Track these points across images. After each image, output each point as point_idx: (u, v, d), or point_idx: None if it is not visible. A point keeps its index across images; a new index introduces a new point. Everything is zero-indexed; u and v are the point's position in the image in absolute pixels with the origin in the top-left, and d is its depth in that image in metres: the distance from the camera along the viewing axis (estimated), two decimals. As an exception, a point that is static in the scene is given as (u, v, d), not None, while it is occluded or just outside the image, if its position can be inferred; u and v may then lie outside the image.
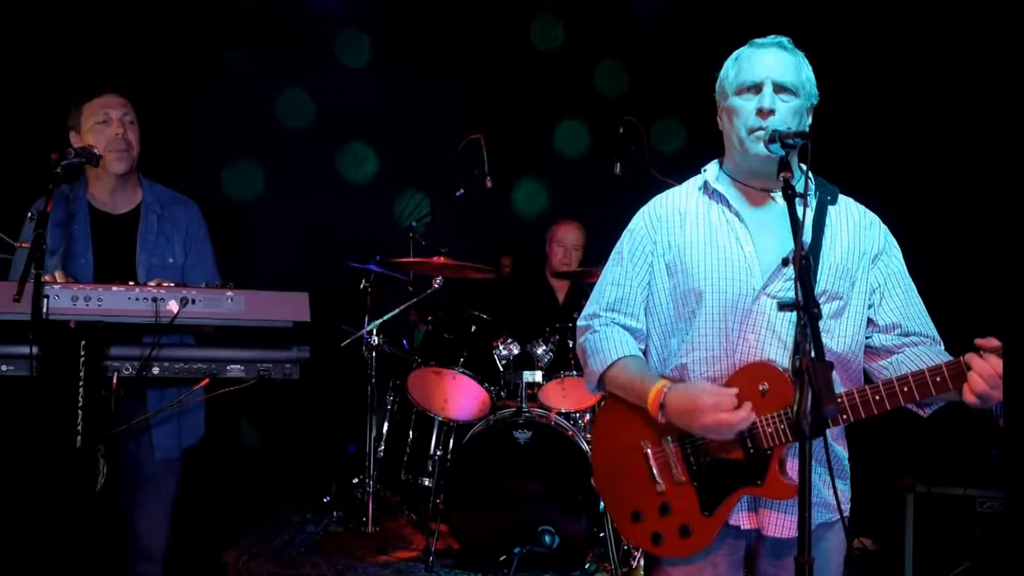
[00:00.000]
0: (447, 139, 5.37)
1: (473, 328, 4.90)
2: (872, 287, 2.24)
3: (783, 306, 1.86)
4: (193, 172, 5.06)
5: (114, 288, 2.48)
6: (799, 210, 1.94)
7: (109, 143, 2.90)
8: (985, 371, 1.92)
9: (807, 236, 2.14)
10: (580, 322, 2.43)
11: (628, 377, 2.26)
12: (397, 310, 5.00)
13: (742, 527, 2.18)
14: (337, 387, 5.45)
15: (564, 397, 4.65)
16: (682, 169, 2.57)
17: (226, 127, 5.66)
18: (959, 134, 4.81)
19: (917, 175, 4.96)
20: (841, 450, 2.26)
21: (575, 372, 4.59)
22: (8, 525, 3.38)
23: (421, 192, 6.26)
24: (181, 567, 3.59)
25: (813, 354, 1.75)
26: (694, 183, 2.35)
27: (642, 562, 4.05)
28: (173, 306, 2.50)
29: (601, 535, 4.34)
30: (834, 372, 1.91)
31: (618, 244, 2.40)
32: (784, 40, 2.20)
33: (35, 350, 2.43)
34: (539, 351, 4.70)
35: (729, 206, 2.24)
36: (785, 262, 1.90)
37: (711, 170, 2.33)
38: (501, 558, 4.27)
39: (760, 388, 2.11)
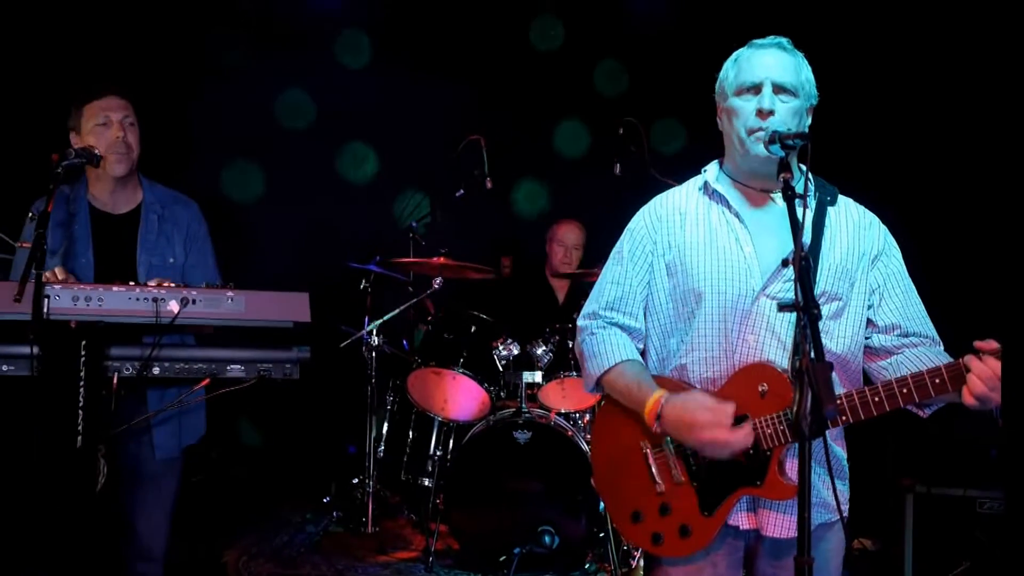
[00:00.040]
0: (447, 139, 5.37)
1: (473, 328, 4.90)
2: (872, 288, 2.24)
3: (783, 307, 1.86)
4: (193, 172, 5.06)
5: (115, 288, 2.48)
6: (799, 211, 1.94)
7: (109, 146, 2.90)
8: (984, 373, 1.92)
9: (807, 237, 2.14)
10: (579, 321, 2.43)
11: (625, 383, 2.26)
12: (397, 310, 5.00)
13: (741, 527, 2.18)
14: (337, 387, 5.45)
15: (564, 397, 4.65)
16: (682, 169, 2.57)
17: (226, 127, 5.66)
18: (959, 134, 4.81)
19: (917, 175, 4.96)
20: (840, 451, 2.26)
21: (575, 372, 4.59)
22: (8, 525, 3.37)
23: (421, 192, 6.26)
24: (181, 567, 3.60)
25: (813, 355, 1.75)
26: (694, 183, 2.35)
27: (642, 562, 4.05)
28: (173, 306, 2.50)
29: (601, 535, 4.34)
30: (833, 373, 1.91)
31: (618, 243, 2.41)
32: (783, 41, 2.20)
33: (36, 350, 2.43)
34: (539, 351, 4.70)
35: (729, 207, 2.25)
36: (785, 263, 1.90)
37: (711, 171, 2.33)
38: (501, 558, 4.27)
39: (759, 389, 2.11)
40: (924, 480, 3.95)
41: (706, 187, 2.30)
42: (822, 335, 1.85)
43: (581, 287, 5.25)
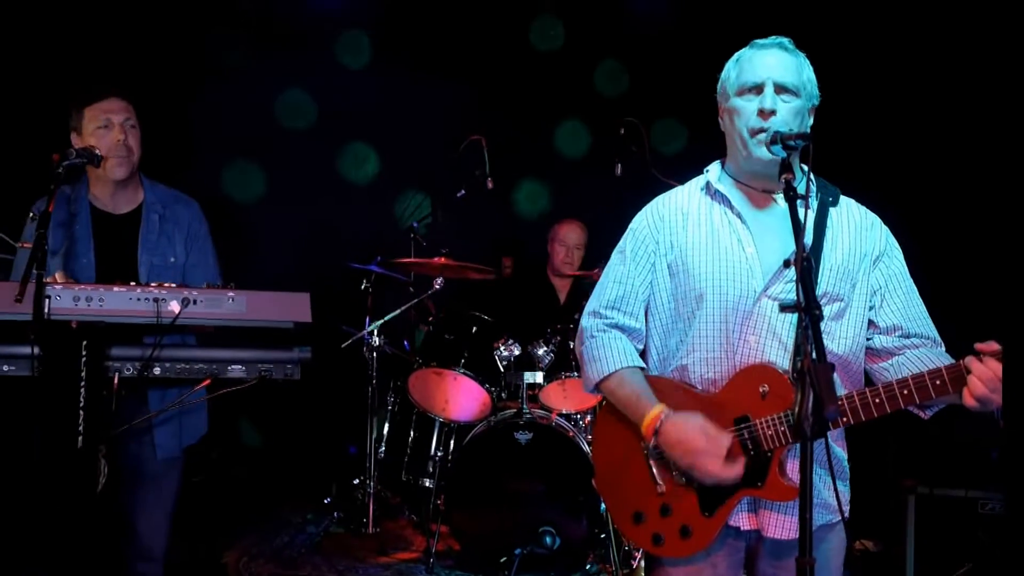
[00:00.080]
0: (448, 140, 5.37)
1: (474, 329, 4.90)
2: (873, 289, 2.24)
3: (784, 307, 1.86)
4: (194, 172, 5.06)
5: (115, 288, 2.48)
6: (800, 211, 1.94)
7: (110, 148, 2.90)
8: (984, 375, 1.92)
9: (808, 237, 2.14)
10: (582, 321, 2.42)
11: (625, 393, 2.26)
12: (398, 310, 5.00)
13: (742, 528, 2.18)
14: (338, 388, 5.45)
15: (565, 398, 4.65)
16: (683, 170, 2.57)
17: (227, 127, 5.66)
18: (961, 135, 4.81)
19: (919, 176, 4.96)
20: (841, 451, 2.26)
21: (576, 373, 4.58)
22: (9, 525, 3.37)
23: (422, 193, 6.26)
24: (181, 567, 3.60)
25: (814, 355, 1.75)
26: (696, 184, 2.35)
27: (643, 563, 4.05)
28: (174, 306, 2.50)
29: (602, 536, 4.34)
30: (835, 374, 1.91)
31: (621, 242, 2.40)
32: (785, 41, 2.20)
33: (36, 350, 2.43)
34: (540, 352, 4.70)
35: (731, 207, 2.25)
36: (787, 263, 1.90)
37: (713, 171, 2.33)
38: (502, 559, 4.26)
39: (760, 390, 2.11)
40: (926, 481, 3.95)
41: (708, 187, 2.30)
42: (823, 336, 1.85)
43: (582, 287, 5.25)
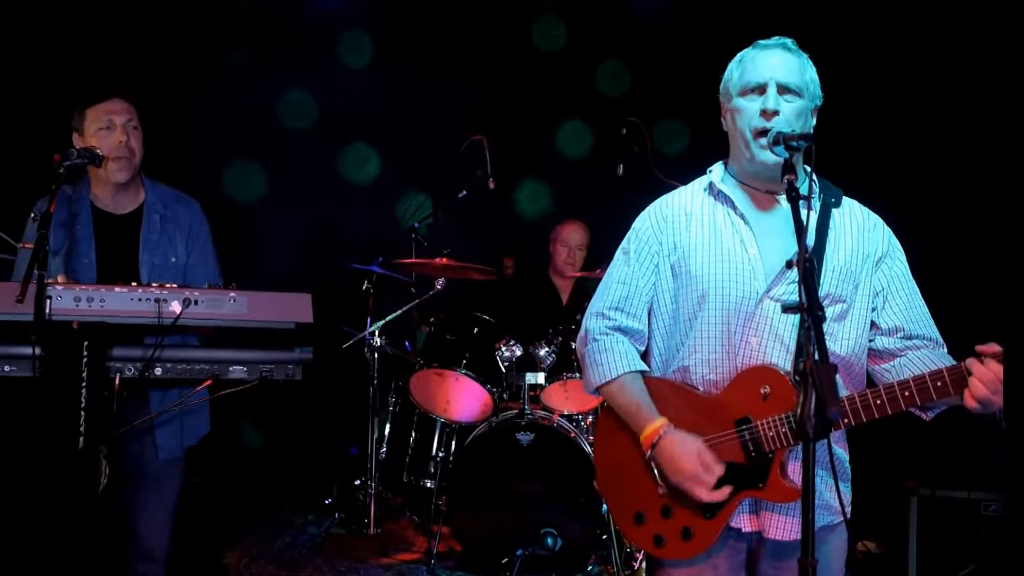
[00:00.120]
0: (450, 140, 5.36)
1: (475, 330, 4.90)
2: (875, 290, 2.24)
3: (787, 308, 1.86)
4: (195, 173, 5.05)
5: (117, 289, 2.48)
6: (803, 212, 1.94)
7: (112, 150, 2.90)
8: (986, 376, 1.92)
9: (811, 239, 2.14)
10: (585, 321, 2.42)
11: (626, 400, 2.27)
12: (399, 311, 4.99)
13: (743, 530, 2.18)
14: (339, 388, 5.44)
15: (567, 399, 4.65)
16: (685, 170, 2.57)
17: (228, 128, 5.65)
18: (963, 137, 4.80)
19: (921, 178, 4.95)
20: (842, 453, 2.26)
21: (578, 374, 4.57)
22: (10, 525, 3.37)
23: (423, 193, 6.26)
24: (182, 568, 3.59)
25: (817, 356, 1.74)
26: (699, 184, 2.35)
27: (644, 564, 4.04)
28: (176, 307, 2.50)
29: (604, 537, 4.33)
30: (837, 375, 1.90)
31: (624, 242, 2.40)
32: (788, 41, 2.20)
33: (38, 351, 2.43)
34: (542, 353, 4.69)
35: (735, 208, 2.24)
36: (789, 264, 1.90)
37: (716, 171, 2.33)
38: (503, 560, 4.26)
39: (762, 391, 2.11)
40: (928, 483, 3.94)
41: (711, 188, 2.30)
42: (826, 337, 1.85)
43: (585, 288, 5.24)
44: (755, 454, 2.11)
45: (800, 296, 1.81)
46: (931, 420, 2.17)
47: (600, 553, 4.42)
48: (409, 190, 6.32)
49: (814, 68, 2.22)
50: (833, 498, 2.18)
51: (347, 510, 5.09)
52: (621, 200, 3.34)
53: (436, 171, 5.74)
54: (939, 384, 1.97)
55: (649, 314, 2.36)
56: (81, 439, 2.46)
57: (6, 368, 2.47)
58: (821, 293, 2.12)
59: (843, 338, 2.18)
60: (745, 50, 2.24)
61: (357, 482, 5.19)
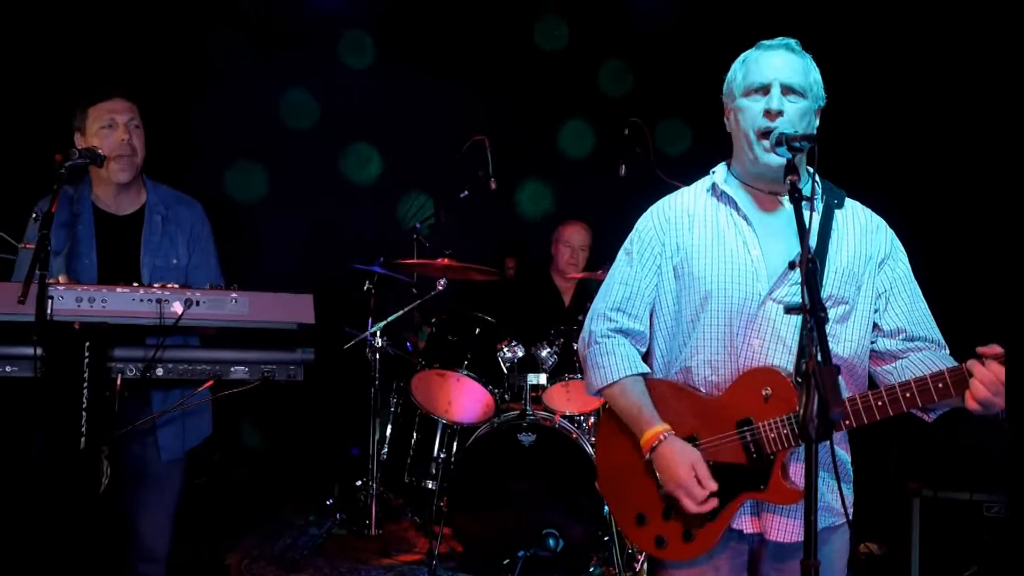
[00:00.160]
0: (451, 140, 5.36)
1: (477, 330, 4.89)
2: (878, 292, 2.24)
3: (790, 309, 1.85)
4: (196, 173, 5.06)
5: (118, 289, 2.48)
6: (805, 213, 1.94)
7: (114, 148, 2.90)
8: (987, 378, 1.92)
9: (813, 240, 2.14)
10: (586, 322, 2.42)
11: (627, 404, 2.28)
12: (401, 311, 4.99)
13: (745, 531, 2.18)
14: (340, 389, 5.44)
15: (568, 400, 4.64)
16: (687, 171, 2.57)
17: (230, 128, 5.65)
18: (966, 138, 4.80)
19: (923, 179, 4.95)
20: (844, 454, 2.26)
21: (579, 375, 4.57)
22: (12, 525, 3.37)
23: (425, 194, 6.26)
24: (184, 569, 3.59)
25: (819, 358, 1.74)
26: (702, 185, 2.35)
27: (646, 566, 4.04)
28: (177, 307, 2.50)
29: (605, 539, 4.33)
30: (840, 377, 1.90)
31: (626, 243, 2.40)
32: (792, 42, 2.20)
33: (39, 351, 2.43)
34: (543, 353, 4.69)
35: (737, 209, 2.24)
36: (792, 266, 1.89)
37: (719, 172, 2.32)
38: (505, 561, 4.26)
39: (763, 393, 2.11)
40: (930, 484, 3.93)
41: (714, 188, 2.30)
42: (828, 339, 1.85)
43: (587, 289, 5.23)
44: (756, 455, 2.10)
45: (803, 297, 1.80)
46: (933, 421, 2.17)
47: (602, 554, 4.41)
48: (411, 191, 6.32)
49: (817, 69, 2.22)
50: (835, 499, 2.18)
51: (348, 511, 5.09)
52: (623, 201, 3.34)
53: (437, 171, 5.74)
54: (940, 385, 1.97)
55: (651, 315, 2.36)
56: (83, 439, 2.46)
57: (7, 368, 2.46)
58: (823, 294, 2.12)
59: (845, 339, 2.18)
60: (749, 50, 2.24)
61: (358, 483, 5.19)
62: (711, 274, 2.21)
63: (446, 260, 4.77)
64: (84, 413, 2.46)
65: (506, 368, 4.75)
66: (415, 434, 4.90)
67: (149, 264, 3.00)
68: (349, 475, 5.36)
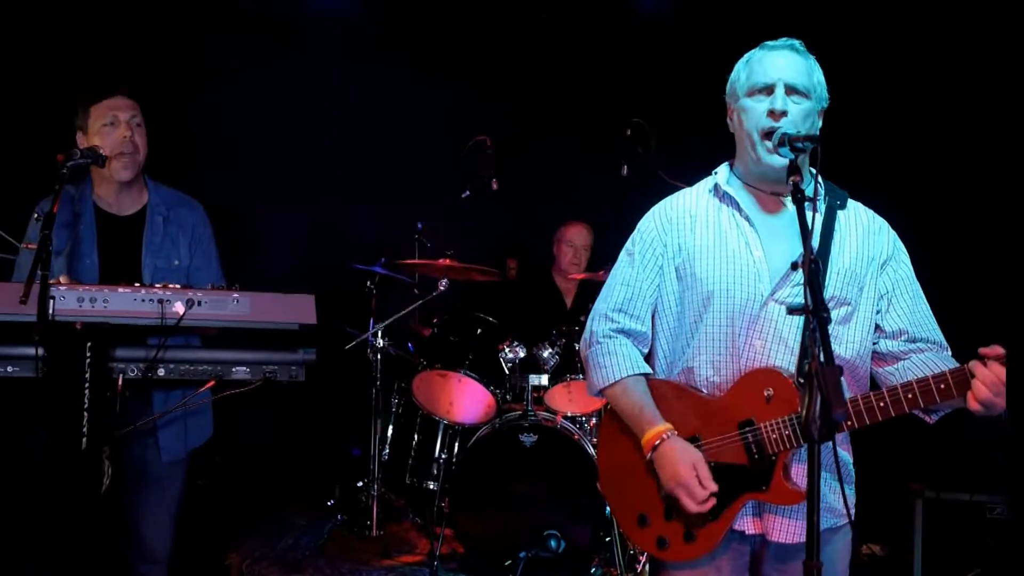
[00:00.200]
0: (453, 140, 5.36)
1: (479, 331, 4.89)
2: (880, 293, 2.24)
3: (792, 310, 1.85)
4: (197, 173, 5.04)
5: (120, 289, 2.48)
6: (808, 214, 1.93)
7: (116, 146, 2.89)
8: (988, 379, 1.92)
9: (816, 241, 2.14)
10: (588, 323, 2.42)
11: (629, 404, 2.27)
12: (403, 312, 4.99)
13: (747, 532, 2.18)
14: (341, 390, 5.44)
15: (570, 400, 4.64)
16: (689, 171, 2.56)
17: (229, 128, 5.65)
18: (968, 140, 4.79)
19: (926, 180, 4.94)
20: (846, 455, 2.26)
21: (581, 376, 4.57)
22: (13, 525, 3.37)
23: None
24: (185, 570, 3.59)
25: (822, 358, 1.73)
26: (704, 185, 2.35)
27: (647, 567, 4.04)
28: (179, 308, 2.50)
29: (607, 540, 4.33)
30: (842, 377, 1.90)
31: (628, 243, 2.40)
32: (796, 43, 2.20)
33: (41, 351, 2.43)
34: (545, 354, 4.69)
35: (740, 210, 2.24)
36: (794, 266, 1.89)
37: (722, 173, 2.32)
38: (506, 562, 4.26)
39: (765, 394, 2.10)
40: (933, 485, 3.93)
41: (716, 189, 2.30)
42: (830, 340, 1.84)
43: (588, 290, 5.23)
44: (758, 456, 2.10)
45: (805, 298, 1.80)
46: (935, 423, 2.16)
47: (603, 555, 4.41)
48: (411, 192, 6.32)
49: (821, 70, 2.22)
50: (837, 500, 2.18)
51: (349, 512, 5.08)
52: (625, 201, 3.33)
53: (439, 171, 5.73)
54: (942, 387, 1.97)
55: (653, 316, 2.36)
56: (84, 440, 2.45)
57: (9, 369, 2.46)
58: (826, 295, 2.12)
59: (847, 341, 2.18)
60: (752, 51, 2.24)
61: (360, 484, 5.19)
62: (713, 275, 2.21)
63: (447, 260, 4.77)
64: (85, 413, 2.45)
65: (508, 369, 4.75)
66: (416, 435, 4.89)
67: (150, 265, 3.00)
68: (350, 476, 5.37)
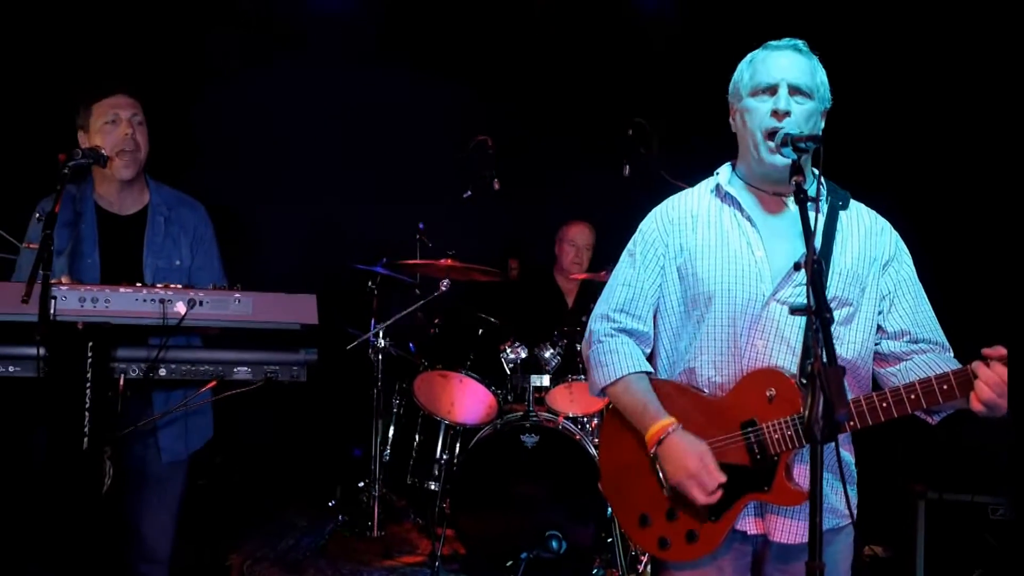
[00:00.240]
0: (454, 140, 5.36)
1: (480, 331, 4.89)
2: (882, 294, 2.23)
3: (795, 311, 1.85)
4: (197, 173, 5.03)
5: (121, 289, 2.48)
6: (811, 215, 1.93)
7: (117, 144, 2.89)
8: (991, 380, 1.92)
9: (817, 241, 2.13)
10: (590, 324, 2.42)
11: (632, 400, 2.27)
12: (404, 312, 4.99)
13: (749, 532, 2.18)
14: (343, 390, 5.44)
15: (572, 401, 4.63)
16: (691, 171, 2.56)
17: (230, 128, 5.65)
18: (970, 141, 4.79)
19: (928, 181, 4.94)
20: (848, 455, 2.26)
21: (583, 376, 4.57)
22: (14, 525, 3.37)
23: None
24: (186, 570, 3.59)
25: (825, 359, 1.73)
26: (706, 186, 2.35)
27: (649, 568, 4.03)
28: (180, 307, 2.49)
29: (609, 540, 4.32)
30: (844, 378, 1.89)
31: (630, 244, 2.40)
32: (799, 43, 2.21)
33: (42, 351, 2.43)
34: (547, 355, 4.69)
35: (741, 210, 2.24)
36: (797, 266, 1.89)
37: (723, 173, 2.32)
38: (508, 563, 4.25)
39: (767, 394, 2.10)
40: (935, 486, 3.92)
41: (718, 190, 2.29)
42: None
43: (590, 290, 5.23)
44: (760, 456, 2.10)
45: (808, 298, 1.80)
46: (937, 423, 2.16)
47: (605, 556, 4.41)
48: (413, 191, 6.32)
49: (824, 70, 2.22)
50: (839, 501, 2.18)
51: (351, 512, 5.08)
52: (627, 201, 3.33)
53: (441, 171, 5.73)
54: (945, 388, 1.97)
55: (655, 316, 2.35)
56: (85, 440, 2.45)
57: (11, 368, 2.46)
58: (828, 296, 2.11)
59: (849, 341, 2.18)
60: (756, 51, 2.24)
61: (361, 484, 5.19)
62: (715, 275, 2.20)
63: (449, 261, 4.77)
64: (87, 413, 2.45)
65: (509, 369, 4.75)
66: (418, 435, 4.89)
67: (152, 265, 3.00)
68: (351, 476, 5.36)
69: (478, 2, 6.06)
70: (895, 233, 2.29)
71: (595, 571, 4.36)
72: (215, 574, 4.35)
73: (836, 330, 2.15)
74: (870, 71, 5.01)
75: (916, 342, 2.21)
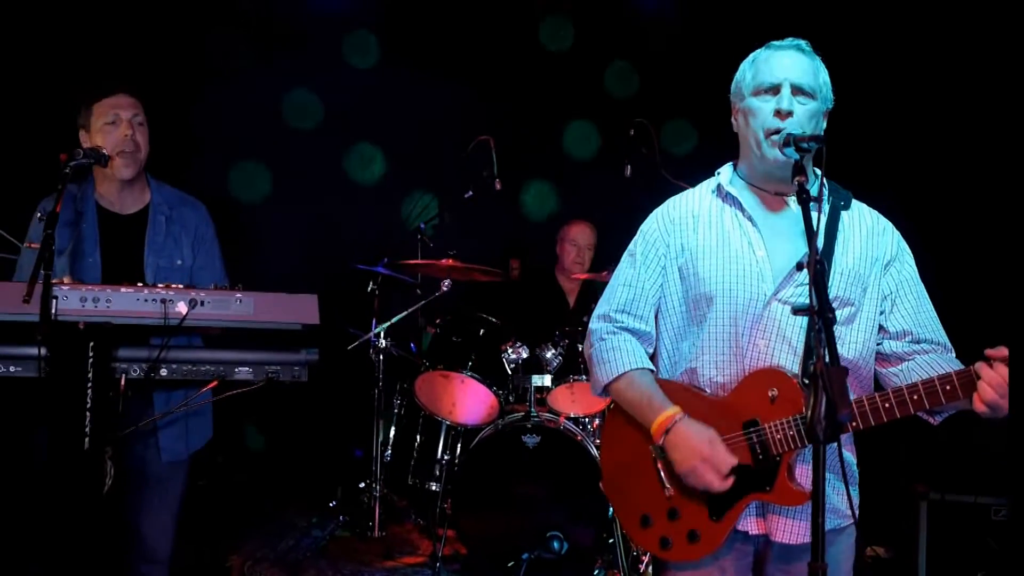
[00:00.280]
0: (456, 140, 5.36)
1: (481, 331, 4.88)
2: (884, 294, 2.23)
3: (797, 311, 1.84)
4: (198, 173, 5.05)
5: (123, 289, 2.48)
6: (813, 215, 1.93)
7: (117, 144, 2.89)
8: (994, 380, 1.92)
9: (820, 241, 2.13)
10: (591, 324, 2.42)
11: (635, 395, 2.26)
12: (405, 312, 4.98)
13: (750, 532, 2.18)
14: (344, 390, 5.44)
15: (573, 401, 4.63)
16: (693, 171, 2.56)
17: (233, 128, 5.66)
18: (972, 141, 4.78)
19: (930, 181, 4.94)
20: (850, 456, 2.26)
21: (584, 376, 4.56)
22: (14, 525, 3.37)
23: (429, 193, 6.25)
24: (186, 570, 3.59)
25: (827, 359, 1.73)
26: (707, 186, 2.34)
27: (650, 568, 4.03)
28: (182, 308, 2.49)
29: (610, 541, 4.32)
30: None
31: (631, 244, 2.40)
32: (802, 43, 2.20)
33: (44, 351, 2.42)
34: (548, 355, 4.68)
35: (743, 210, 2.24)
36: (799, 267, 1.89)
37: (725, 173, 2.32)
38: (509, 564, 4.25)
39: (769, 394, 2.10)
40: (937, 487, 3.92)
41: (719, 190, 2.29)
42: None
43: (591, 290, 5.23)
44: (762, 456, 2.10)
45: (811, 298, 1.79)
46: (939, 424, 2.16)
47: (606, 557, 4.40)
48: (414, 191, 6.32)
49: (826, 71, 2.22)
50: (841, 501, 2.17)
51: (351, 513, 5.08)
52: (628, 201, 3.33)
53: (442, 171, 5.74)
54: (948, 388, 1.96)
55: (657, 316, 2.35)
56: (86, 440, 2.45)
57: (12, 368, 2.46)
58: (829, 296, 2.10)
59: (851, 342, 2.17)
60: (758, 50, 2.24)
61: (362, 485, 5.18)
62: (716, 275, 2.20)
63: (450, 261, 4.76)
64: (88, 413, 2.46)
65: (510, 369, 4.74)
66: (419, 436, 4.89)
67: (153, 264, 3.00)
68: (352, 477, 5.36)
69: (478, 2, 6.06)
70: (897, 233, 2.29)
71: (596, 572, 4.35)
72: (215, 574, 4.35)
73: (838, 330, 2.14)
74: (872, 71, 5.01)
75: (918, 342, 2.21)
